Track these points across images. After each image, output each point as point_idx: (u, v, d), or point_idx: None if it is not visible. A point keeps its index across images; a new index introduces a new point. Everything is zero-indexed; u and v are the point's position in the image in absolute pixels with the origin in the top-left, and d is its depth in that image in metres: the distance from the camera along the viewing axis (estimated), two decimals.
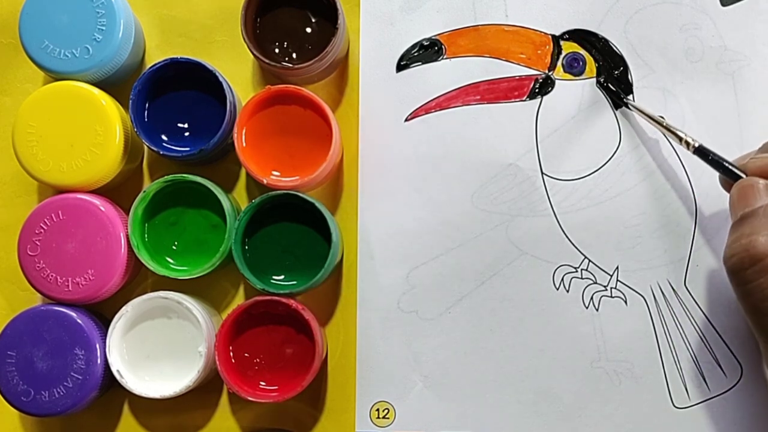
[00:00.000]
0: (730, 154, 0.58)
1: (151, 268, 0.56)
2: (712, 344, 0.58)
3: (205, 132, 0.57)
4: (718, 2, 0.59)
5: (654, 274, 0.59)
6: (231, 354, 0.56)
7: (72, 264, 0.56)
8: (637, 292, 0.59)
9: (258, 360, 0.57)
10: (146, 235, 0.57)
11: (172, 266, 0.57)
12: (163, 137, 0.58)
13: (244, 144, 0.56)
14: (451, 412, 0.59)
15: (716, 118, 0.59)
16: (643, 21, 0.60)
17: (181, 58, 0.56)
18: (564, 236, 0.59)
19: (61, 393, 0.55)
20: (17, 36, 0.57)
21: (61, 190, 0.57)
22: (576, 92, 0.59)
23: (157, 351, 0.57)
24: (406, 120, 0.60)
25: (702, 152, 0.55)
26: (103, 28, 0.57)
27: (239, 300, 0.60)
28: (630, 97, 0.59)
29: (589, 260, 0.59)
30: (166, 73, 0.57)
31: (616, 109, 0.59)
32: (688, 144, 0.55)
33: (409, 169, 0.60)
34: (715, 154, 0.55)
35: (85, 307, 0.57)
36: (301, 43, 0.58)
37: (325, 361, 0.59)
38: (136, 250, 0.56)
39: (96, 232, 0.56)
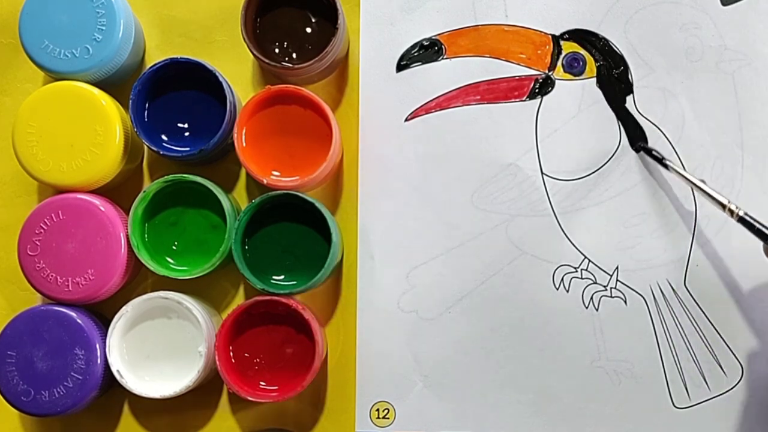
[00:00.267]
0: (731, 153, 0.58)
1: (151, 268, 0.56)
2: (712, 344, 0.58)
3: (205, 132, 0.57)
4: (718, 2, 0.59)
5: (654, 274, 0.59)
6: (231, 354, 0.56)
7: (72, 264, 0.56)
8: (637, 292, 0.59)
9: (258, 360, 0.57)
10: (146, 235, 0.57)
11: (172, 266, 0.57)
12: (163, 137, 0.58)
13: (244, 144, 0.56)
14: (451, 412, 0.59)
15: (716, 117, 0.59)
16: (643, 21, 0.60)
17: (181, 58, 0.56)
18: (564, 236, 0.59)
19: (61, 393, 0.55)
20: (17, 36, 0.57)
21: (61, 190, 0.57)
22: (576, 92, 0.59)
23: (157, 351, 0.57)
24: (406, 120, 0.60)
25: (746, 222, 0.54)
26: (103, 28, 0.57)
27: (239, 300, 0.60)
28: (672, 161, 0.58)
29: (589, 260, 0.59)
30: (166, 73, 0.57)
31: (616, 113, 0.59)
32: (731, 212, 0.54)
33: (409, 169, 0.60)
34: (760, 224, 0.54)
35: (85, 307, 0.57)
36: (301, 43, 0.58)
37: (325, 361, 0.59)
38: (136, 250, 0.56)
39: (96, 232, 0.56)
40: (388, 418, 0.59)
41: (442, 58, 0.60)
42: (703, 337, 0.58)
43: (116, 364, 0.56)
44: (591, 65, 0.60)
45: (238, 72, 0.61)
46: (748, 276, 0.58)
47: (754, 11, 0.59)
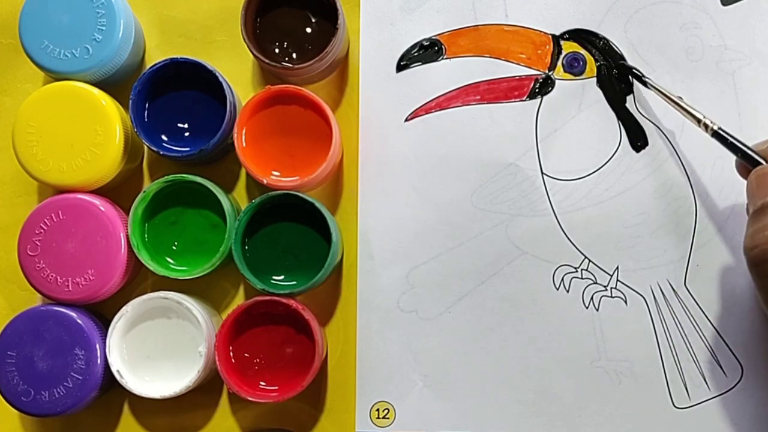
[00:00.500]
0: (731, 154, 0.58)
1: (151, 268, 0.56)
2: (712, 344, 0.58)
3: (205, 132, 0.57)
4: (719, 1, 0.59)
5: (654, 274, 0.59)
6: (231, 354, 0.56)
7: (72, 264, 0.56)
8: (637, 292, 0.59)
9: (258, 360, 0.57)
10: (146, 235, 0.57)
11: (172, 266, 0.57)
12: (163, 137, 0.58)
13: (244, 144, 0.56)
14: (451, 412, 0.59)
15: (716, 117, 0.59)
16: (644, 20, 0.60)
17: (181, 58, 0.56)
18: (564, 236, 0.59)
19: (61, 393, 0.55)
20: (17, 36, 0.57)
21: (61, 190, 0.57)
22: (576, 92, 0.59)
23: (157, 351, 0.57)
24: (406, 120, 0.60)
25: (720, 136, 0.55)
26: (103, 28, 0.57)
27: (239, 300, 0.60)
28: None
29: (589, 260, 0.59)
30: (166, 73, 0.57)
31: (616, 113, 0.59)
32: (706, 126, 0.55)
33: (409, 169, 0.60)
34: (733, 138, 0.54)
35: (85, 307, 0.57)
36: (301, 43, 0.58)
37: (325, 361, 0.59)
38: (136, 250, 0.56)
39: (96, 232, 0.56)
40: (388, 418, 0.59)
41: (442, 58, 0.60)
42: (703, 337, 0.58)
43: (116, 364, 0.56)
44: (591, 65, 0.60)
45: (238, 72, 0.61)
46: (748, 276, 0.58)
47: (755, 11, 0.59)
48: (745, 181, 0.54)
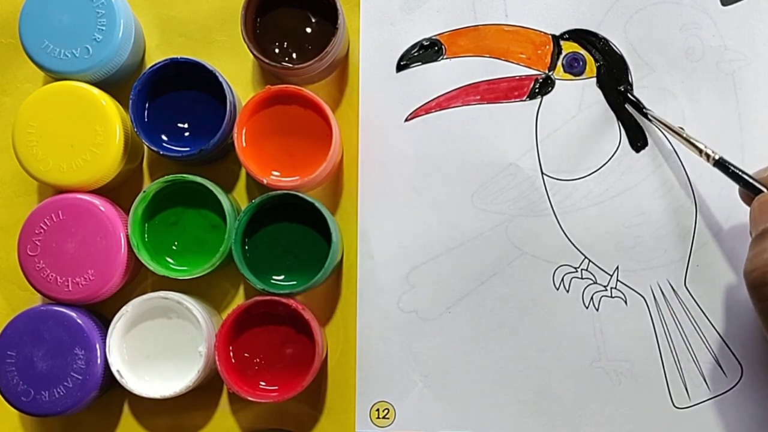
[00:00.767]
0: (731, 153, 0.58)
1: (151, 268, 0.56)
2: (712, 344, 0.58)
3: (205, 132, 0.57)
4: (719, 2, 0.59)
5: (654, 274, 0.59)
6: (231, 354, 0.56)
7: (72, 264, 0.56)
8: (637, 292, 0.59)
9: (258, 360, 0.57)
10: (146, 235, 0.57)
11: (172, 266, 0.57)
12: (163, 137, 0.58)
13: (244, 144, 0.56)
14: (451, 412, 0.59)
15: (716, 117, 0.59)
16: (644, 21, 0.60)
17: (181, 58, 0.56)
18: (564, 236, 0.59)
19: (61, 393, 0.55)
20: (17, 36, 0.57)
21: (61, 190, 0.57)
22: (576, 92, 0.59)
23: (157, 351, 0.57)
24: (406, 120, 0.60)
25: (722, 165, 0.55)
26: (103, 28, 0.57)
27: (239, 300, 0.60)
28: (651, 109, 0.59)
29: (589, 260, 0.59)
30: (166, 73, 0.57)
31: (616, 113, 0.59)
32: (708, 156, 0.55)
33: (409, 169, 0.60)
34: (735, 167, 0.55)
35: (85, 307, 0.57)
36: (301, 43, 0.58)
37: (325, 361, 0.59)
38: (136, 250, 0.56)
39: (96, 232, 0.56)
40: (388, 418, 0.59)
41: (442, 58, 0.60)
42: (703, 337, 0.58)
43: (116, 364, 0.56)
44: (591, 65, 0.60)
45: (238, 72, 0.61)
46: None
47: (755, 11, 0.59)
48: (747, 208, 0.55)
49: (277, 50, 0.58)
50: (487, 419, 0.59)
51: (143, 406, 0.60)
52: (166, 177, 0.56)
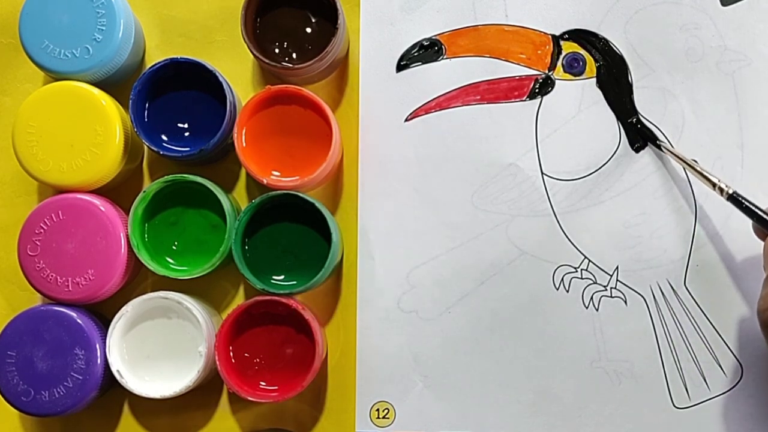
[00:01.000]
0: (731, 154, 0.58)
1: (151, 268, 0.56)
2: (712, 344, 0.58)
3: (205, 132, 0.57)
4: (718, 2, 0.59)
5: (654, 274, 0.59)
6: (231, 354, 0.56)
7: (72, 264, 0.56)
8: (637, 292, 0.59)
9: (258, 360, 0.57)
10: (146, 235, 0.57)
11: (172, 266, 0.57)
12: (163, 137, 0.58)
13: (244, 144, 0.56)
14: (451, 412, 0.59)
15: (716, 118, 0.59)
16: (643, 21, 0.60)
17: (181, 58, 0.56)
18: (564, 236, 0.59)
19: (61, 393, 0.55)
20: (17, 36, 0.57)
21: (61, 190, 0.57)
22: (576, 92, 0.59)
23: (157, 351, 0.57)
24: (406, 120, 0.60)
25: (736, 200, 0.55)
26: (103, 28, 0.57)
27: (239, 300, 0.60)
28: (663, 140, 0.59)
29: (589, 260, 0.59)
30: (166, 73, 0.57)
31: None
32: (721, 190, 0.55)
33: (409, 169, 0.60)
34: (749, 202, 0.54)
35: (85, 307, 0.57)
36: (301, 43, 0.58)
37: (325, 361, 0.59)
38: (136, 250, 0.56)
39: (96, 232, 0.56)
40: (388, 418, 0.59)
41: (442, 58, 0.60)
42: (703, 337, 0.58)
43: (116, 364, 0.56)
44: (591, 65, 0.60)
45: (238, 72, 0.61)
46: (748, 276, 0.58)
47: (754, 11, 0.59)
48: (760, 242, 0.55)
49: (277, 50, 0.58)
50: (487, 419, 0.59)
51: (143, 406, 0.60)
52: (166, 177, 0.56)
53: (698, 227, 0.59)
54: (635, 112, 0.59)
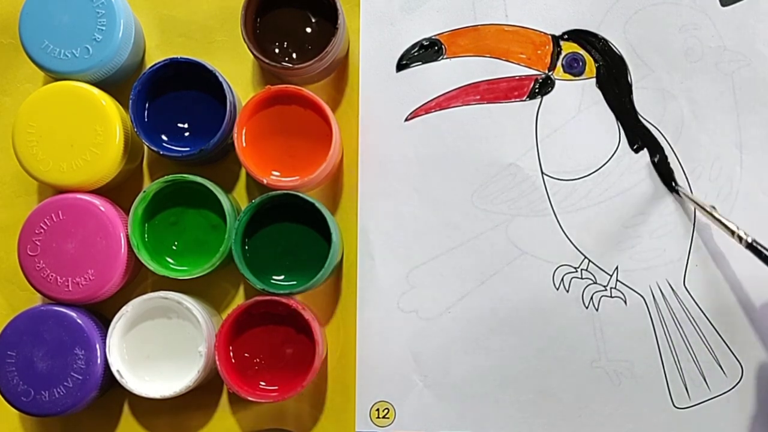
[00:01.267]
0: (730, 154, 0.58)
1: (151, 268, 0.56)
2: (712, 344, 0.58)
3: (205, 132, 0.57)
4: (718, 2, 0.59)
5: (654, 274, 0.59)
6: (231, 354, 0.56)
7: (72, 264, 0.56)
8: (637, 292, 0.59)
9: (258, 360, 0.57)
10: (146, 235, 0.57)
11: (172, 266, 0.57)
12: (163, 137, 0.58)
13: (244, 144, 0.56)
14: (451, 412, 0.59)
15: (715, 118, 0.59)
16: (643, 21, 0.60)
17: (181, 58, 0.56)
18: (564, 236, 0.59)
19: (61, 393, 0.55)
20: (17, 36, 0.57)
21: (61, 190, 0.57)
22: (576, 92, 0.59)
23: (157, 351, 0.57)
24: (406, 120, 0.60)
25: (755, 249, 0.54)
26: (103, 28, 0.57)
27: (239, 300, 0.60)
28: (682, 185, 0.59)
29: (589, 260, 0.59)
30: (166, 73, 0.57)
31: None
32: (740, 238, 0.55)
33: (409, 169, 0.60)
34: None
35: (85, 307, 0.57)
36: (301, 43, 0.58)
37: (325, 361, 0.59)
38: (136, 250, 0.56)
39: (96, 232, 0.56)
40: (388, 418, 0.59)
41: (442, 58, 0.60)
42: (703, 337, 0.58)
43: (116, 364, 0.56)
44: (591, 65, 0.60)
45: (238, 72, 0.61)
46: (748, 276, 0.58)
47: (754, 12, 0.59)
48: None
49: (277, 50, 0.58)
50: (487, 419, 0.59)
51: (143, 406, 0.60)
52: (166, 177, 0.56)
53: (697, 227, 0.59)
54: (635, 113, 0.59)
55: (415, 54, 0.60)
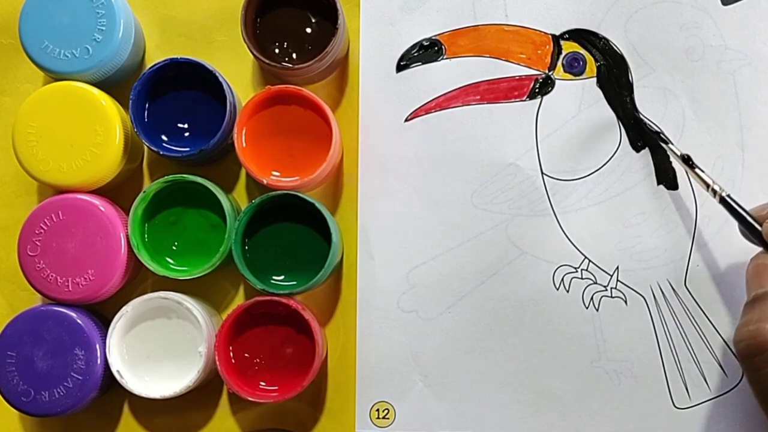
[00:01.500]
0: (731, 153, 0.58)
1: (151, 269, 0.56)
2: (712, 344, 0.58)
3: (205, 132, 0.57)
4: (719, 1, 0.59)
5: (654, 274, 0.59)
6: (231, 354, 0.56)
7: (72, 264, 0.56)
8: (637, 292, 0.59)
9: (258, 360, 0.57)
10: (146, 235, 0.57)
11: (172, 266, 0.57)
12: (163, 137, 0.58)
13: (244, 144, 0.56)
14: (451, 412, 0.59)
15: (717, 117, 0.59)
16: (644, 20, 0.60)
17: (181, 58, 0.56)
18: (564, 236, 0.59)
19: (61, 393, 0.55)
20: (17, 36, 0.57)
21: (61, 190, 0.57)
22: (576, 92, 0.59)
23: (157, 351, 0.57)
24: (406, 120, 0.60)
25: (727, 204, 0.55)
26: (103, 28, 0.57)
27: (239, 300, 0.60)
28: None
29: (589, 260, 0.59)
30: (166, 73, 0.57)
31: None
32: (714, 192, 0.55)
33: (409, 169, 0.60)
34: (741, 207, 0.54)
35: (85, 307, 0.57)
36: (301, 43, 0.58)
37: (325, 361, 0.59)
38: (136, 250, 0.56)
39: (96, 232, 0.56)
40: (388, 418, 0.59)
41: (442, 58, 0.60)
42: (703, 337, 0.58)
43: (116, 364, 0.56)
44: (591, 65, 0.60)
45: (238, 72, 0.61)
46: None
47: (755, 11, 0.59)
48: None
49: (277, 50, 0.58)
50: (487, 419, 0.59)
51: (143, 406, 0.60)
52: (166, 177, 0.56)
53: (698, 227, 0.59)
54: (636, 112, 0.59)
55: (415, 54, 0.60)
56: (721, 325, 0.58)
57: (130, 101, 0.56)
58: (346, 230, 0.60)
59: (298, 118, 0.57)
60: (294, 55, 0.58)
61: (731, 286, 0.58)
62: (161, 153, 0.56)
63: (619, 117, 0.59)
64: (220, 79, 0.56)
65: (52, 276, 0.56)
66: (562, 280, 0.59)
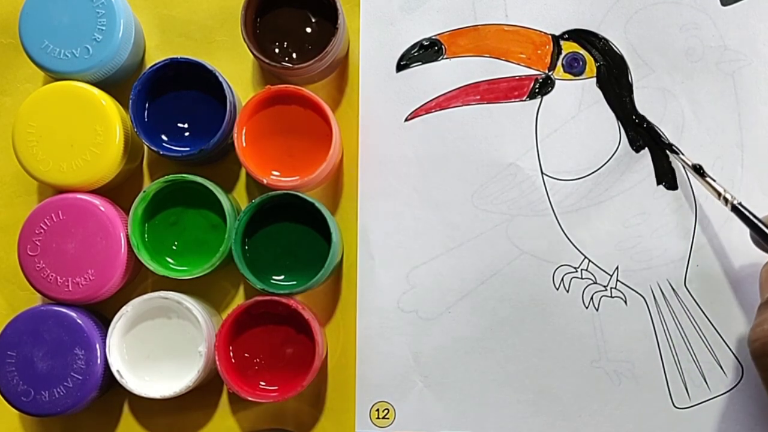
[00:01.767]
0: (731, 154, 0.58)
1: (151, 268, 0.56)
2: (712, 344, 0.58)
3: (205, 132, 0.57)
4: (718, 2, 0.59)
5: (654, 274, 0.59)
6: (231, 354, 0.56)
7: (72, 264, 0.56)
8: (637, 292, 0.59)
9: (258, 360, 0.57)
10: (146, 235, 0.57)
11: (172, 266, 0.57)
12: (163, 137, 0.58)
13: (244, 144, 0.56)
14: (451, 412, 0.59)
15: (716, 118, 0.59)
16: (643, 21, 0.60)
17: (181, 58, 0.56)
18: (564, 236, 0.59)
19: (61, 393, 0.55)
20: (17, 36, 0.57)
21: (61, 190, 0.57)
22: (576, 92, 0.59)
23: (157, 351, 0.57)
24: (406, 120, 0.60)
25: (739, 212, 0.55)
26: (103, 28, 0.57)
27: (239, 300, 0.60)
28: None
29: (589, 260, 0.59)
30: (166, 73, 0.57)
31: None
32: (726, 200, 0.55)
33: (409, 169, 0.60)
34: (753, 215, 0.54)
35: (85, 307, 0.57)
36: (301, 43, 0.58)
37: (325, 361, 0.59)
38: (136, 250, 0.56)
39: (96, 232, 0.56)
40: (388, 418, 0.59)
41: (442, 58, 0.60)
42: (703, 337, 0.58)
43: (116, 364, 0.56)
44: (591, 65, 0.60)
45: (238, 72, 0.61)
46: (748, 276, 0.58)
47: (754, 11, 0.59)
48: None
49: (277, 50, 0.58)
50: (487, 419, 0.59)
51: (143, 406, 0.60)
52: (166, 177, 0.56)
53: (698, 227, 0.59)
54: (635, 112, 0.59)
55: (415, 54, 0.60)
56: (720, 325, 0.58)
57: (130, 101, 0.56)
58: (346, 230, 0.60)
59: (298, 118, 0.57)
60: (294, 55, 0.58)
61: (731, 286, 0.58)
62: (161, 153, 0.56)
63: (618, 117, 0.59)
64: (220, 78, 0.56)
65: (52, 276, 0.56)
66: (562, 280, 0.59)
